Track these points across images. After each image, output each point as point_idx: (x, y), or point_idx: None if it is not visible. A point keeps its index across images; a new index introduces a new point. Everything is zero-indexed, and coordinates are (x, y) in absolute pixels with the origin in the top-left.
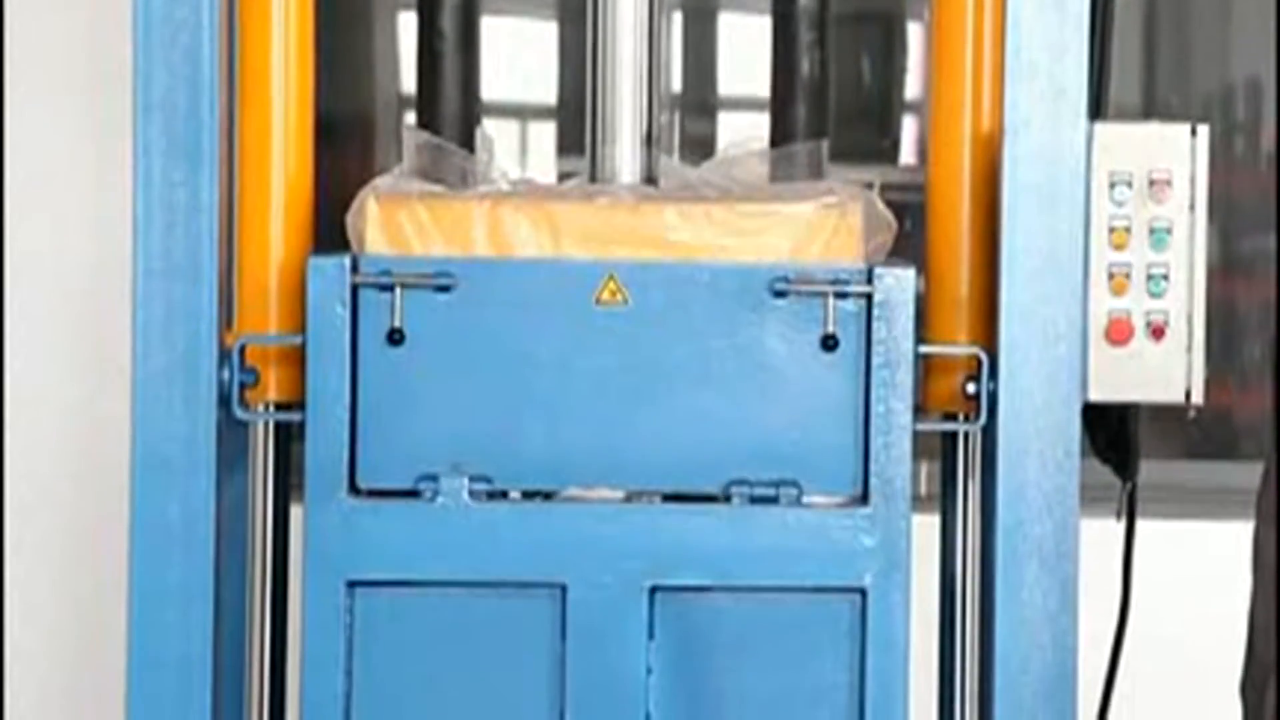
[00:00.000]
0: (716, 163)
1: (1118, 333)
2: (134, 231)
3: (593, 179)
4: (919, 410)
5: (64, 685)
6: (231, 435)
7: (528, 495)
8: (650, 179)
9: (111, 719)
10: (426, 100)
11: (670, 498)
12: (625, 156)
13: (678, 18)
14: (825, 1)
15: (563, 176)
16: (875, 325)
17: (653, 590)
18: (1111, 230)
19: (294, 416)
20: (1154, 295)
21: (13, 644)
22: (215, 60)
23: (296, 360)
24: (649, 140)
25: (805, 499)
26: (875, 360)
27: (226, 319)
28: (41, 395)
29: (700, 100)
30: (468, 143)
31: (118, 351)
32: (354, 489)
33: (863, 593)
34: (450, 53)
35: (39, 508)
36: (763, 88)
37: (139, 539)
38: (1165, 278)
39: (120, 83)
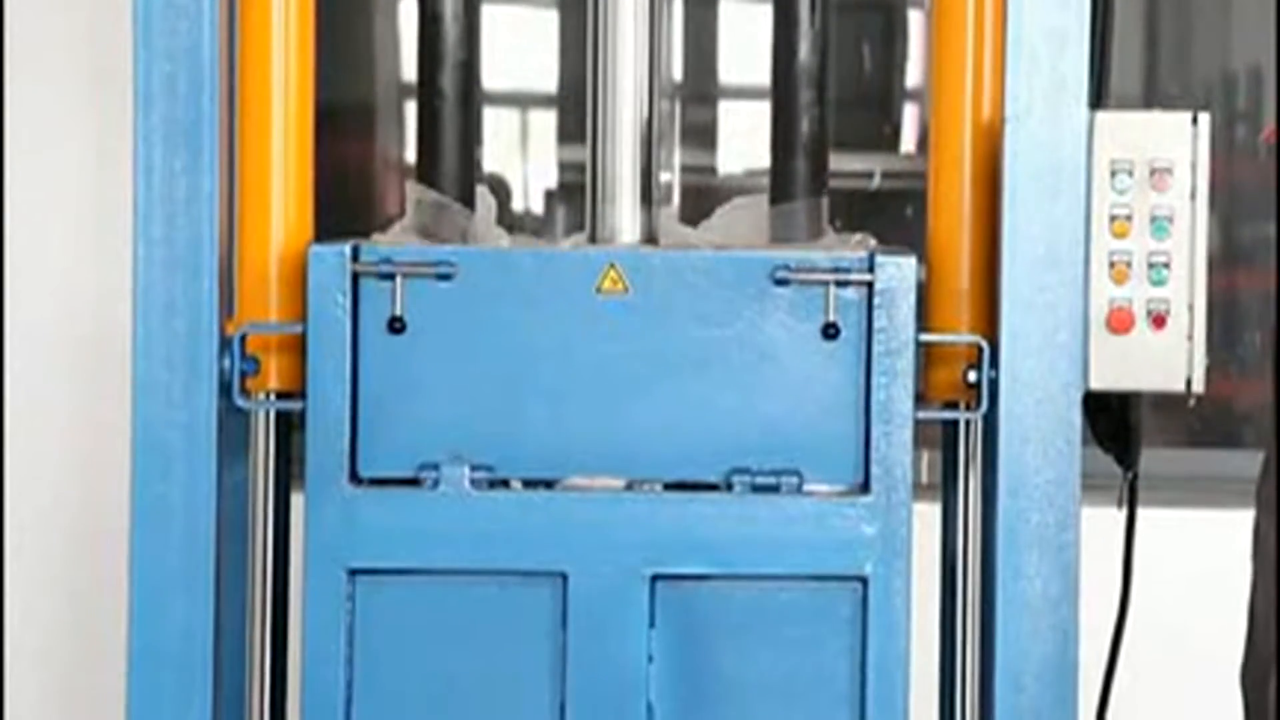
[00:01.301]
0: (716, 220)
1: (1119, 321)
2: (134, 220)
3: (592, 239)
4: (920, 399)
5: (64, 685)
6: (232, 424)
7: (529, 484)
8: (650, 238)
9: (111, 719)
10: (427, 88)
11: (671, 486)
12: (625, 215)
13: (678, 5)
14: None
15: (563, 165)
16: (876, 314)
17: (654, 579)
18: (1112, 219)
19: (295, 405)
20: (1155, 284)
21: (13, 644)
22: (215, 48)
23: (297, 349)
24: (647, 196)
25: (806, 487)
26: (876, 348)
27: (227, 308)
28: (43, 397)
29: (701, 88)
30: (469, 134)
31: (120, 353)
32: (355, 478)
33: (864, 581)
34: (451, 40)
35: (40, 509)
36: (764, 76)
37: (140, 528)
38: (1166, 266)
39: (120, 79)
